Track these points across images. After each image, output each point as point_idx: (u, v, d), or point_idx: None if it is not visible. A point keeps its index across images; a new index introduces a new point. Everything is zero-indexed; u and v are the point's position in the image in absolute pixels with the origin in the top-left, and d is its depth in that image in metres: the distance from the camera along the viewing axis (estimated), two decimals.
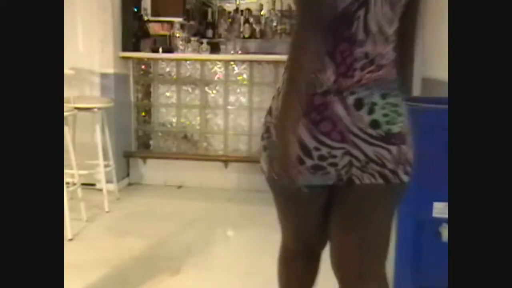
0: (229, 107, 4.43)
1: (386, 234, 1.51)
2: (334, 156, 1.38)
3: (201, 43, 4.55)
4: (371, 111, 1.35)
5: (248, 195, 4.14)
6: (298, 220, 1.61)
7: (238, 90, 4.43)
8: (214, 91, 4.47)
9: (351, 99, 1.35)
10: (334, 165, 1.39)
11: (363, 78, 1.35)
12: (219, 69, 4.42)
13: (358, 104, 1.35)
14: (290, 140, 1.34)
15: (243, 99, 4.38)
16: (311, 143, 1.36)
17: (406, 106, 1.44)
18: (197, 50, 4.47)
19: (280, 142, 1.36)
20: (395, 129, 1.37)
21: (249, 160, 4.35)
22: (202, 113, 4.49)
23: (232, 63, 4.41)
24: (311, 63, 1.31)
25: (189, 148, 4.56)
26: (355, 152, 1.38)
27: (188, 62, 4.44)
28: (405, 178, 1.41)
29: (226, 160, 4.44)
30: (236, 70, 4.43)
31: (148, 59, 4.41)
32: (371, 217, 1.47)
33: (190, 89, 4.46)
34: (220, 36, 5.11)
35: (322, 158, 1.38)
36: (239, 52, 4.51)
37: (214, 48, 4.64)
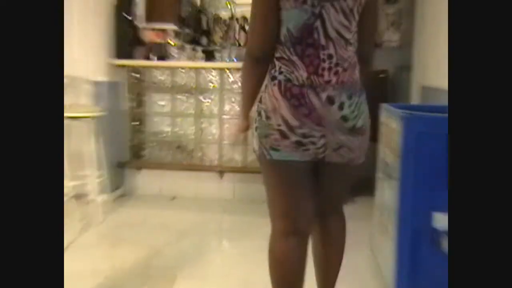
0: (224, 116, 4.38)
1: (348, 188, 2.01)
2: (313, 136, 1.72)
3: (196, 50, 4.50)
4: (341, 108, 1.71)
5: (243, 206, 4.11)
6: (286, 192, 1.84)
7: (233, 99, 4.39)
8: (209, 100, 4.42)
9: (323, 95, 1.69)
10: (313, 143, 1.73)
11: (332, 79, 1.71)
12: (214, 78, 4.38)
13: (330, 101, 1.70)
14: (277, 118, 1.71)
15: (239, 108, 4.08)
16: (294, 122, 1.70)
17: (366, 102, 1.79)
18: (192, 58, 4.42)
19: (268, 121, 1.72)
20: (360, 123, 1.76)
21: (244, 170, 4.32)
22: (197, 122, 4.44)
23: (227, 71, 4.36)
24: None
25: (184, 158, 4.51)
26: (331, 137, 1.74)
27: (182, 70, 4.38)
28: (363, 158, 1.84)
29: (221, 170, 4.39)
30: (231, 78, 4.37)
31: (142, 66, 4.35)
32: (342, 180, 1.92)
33: (184, 98, 4.41)
34: (215, 44, 5.03)
35: (304, 135, 1.71)
36: (235, 60, 4.43)
37: (209, 56, 4.59)
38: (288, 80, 1.72)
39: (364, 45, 1.81)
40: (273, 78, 1.77)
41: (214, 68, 4.37)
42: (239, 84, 4.27)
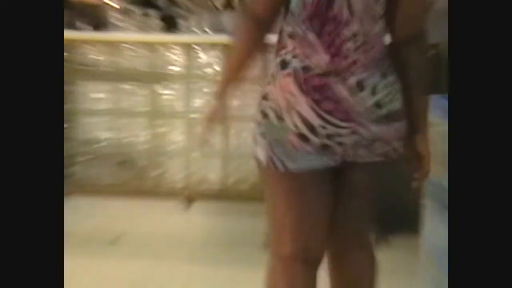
0: (193, 115, 4.09)
1: (374, 209, 2.03)
2: (341, 135, 1.76)
3: (150, 17, 4.33)
4: (373, 92, 1.76)
5: (221, 252, 3.74)
6: (300, 210, 1.86)
7: (207, 90, 4.05)
8: (170, 92, 4.19)
9: (351, 81, 1.74)
10: (341, 144, 1.77)
11: (359, 59, 1.74)
12: (177, 58, 4.15)
13: (360, 86, 1.75)
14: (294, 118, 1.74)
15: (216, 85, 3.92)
16: (316, 121, 1.73)
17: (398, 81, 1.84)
18: (144, 28, 4.25)
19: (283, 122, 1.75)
20: (396, 106, 1.80)
21: (223, 196, 4.07)
22: (152, 124, 4.21)
23: (196, 48, 4.11)
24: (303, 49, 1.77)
25: (131, 178, 4.24)
26: (362, 130, 1.77)
27: (129, 46, 4.16)
28: (400, 153, 1.86)
29: (188, 197, 4.10)
30: (203, 58, 4.11)
31: (67, 40, 3.83)
32: (370, 190, 1.97)
33: (132, 88, 4.20)
34: (178, 7, 4.71)
35: (329, 136, 1.75)
36: (208, 31, 4.29)
37: (170, 25, 4.40)
38: (306, 68, 1.73)
39: (405, 20, 1.79)
40: (284, 64, 1.75)
41: (177, 44, 4.13)
42: (216, 67, 4.11)
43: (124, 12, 4.39)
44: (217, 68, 4.13)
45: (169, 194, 4.22)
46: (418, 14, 1.87)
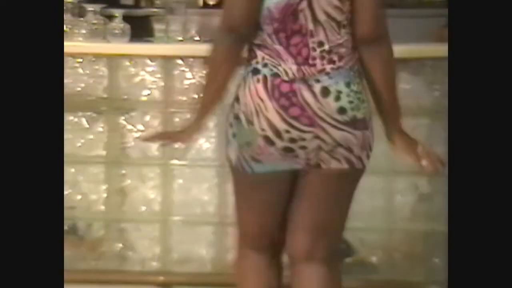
0: (172, 161, 3.31)
1: (343, 218, 2.16)
2: (304, 139, 1.99)
3: (110, 17, 3.40)
4: (337, 99, 1.99)
5: None
6: (263, 207, 2.13)
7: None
8: (138, 126, 3.35)
9: (317, 87, 1.98)
10: (303, 148, 2.00)
11: (326, 67, 1.99)
12: (150, 77, 3.31)
13: (325, 92, 1.98)
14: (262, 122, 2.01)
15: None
16: (281, 126, 1.97)
17: (366, 91, 2.10)
18: (102, 35, 3.35)
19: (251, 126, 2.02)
20: (360, 115, 2.01)
21: (217, 284, 3.23)
22: (112, 173, 3.39)
23: (179, 61, 3.29)
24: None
25: (81, 255, 3.38)
26: (324, 136, 2.00)
27: (80, 60, 3.32)
28: (367, 163, 2.06)
29: (164, 285, 3.29)
30: (188, 74, 3.31)
31: None
32: (333, 202, 2.13)
33: (85, 120, 3.34)
34: (151, 4, 3.93)
35: (292, 140, 1.98)
36: (196, 36, 3.48)
37: (140, 28, 3.51)
38: (275, 74, 1.96)
39: (362, 25, 2.00)
40: (255, 71, 1.99)
41: (151, 57, 3.30)
42: (204, 81, 3.28)
43: (74, 11, 3.47)
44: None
45: (138, 280, 3.37)
46: (374, 17, 2.04)
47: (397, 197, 3.17)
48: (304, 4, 1.94)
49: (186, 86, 3.40)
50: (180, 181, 3.36)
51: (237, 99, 2.03)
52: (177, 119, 3.40)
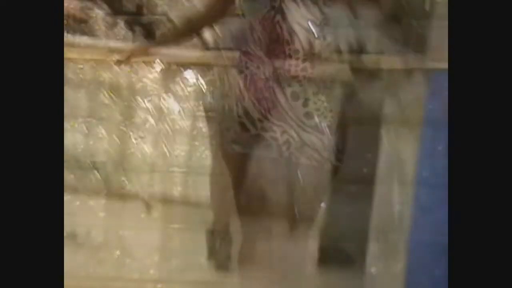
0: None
1: (315, 209, 2.38)
2: (274, 131, 2.20)
3: (113, 22, 3.46)
4: (305, 105, 2.19)
5: None
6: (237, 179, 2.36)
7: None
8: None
9: (288, 90, 2.19)
10: (275, 139, 2.20)
11: (299, 75, 2.18)
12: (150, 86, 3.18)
13: (295, 96, 2.19)
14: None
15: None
16: (255, 114, 2.20)
17: (338, 100, 2.28)
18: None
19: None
20: (325, 122, 2.22)
21: None
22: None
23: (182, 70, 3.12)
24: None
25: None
26: (292, 133, 2.20)
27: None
28: (335, 163, 2.26)
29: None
30: (192, 80, 3.16)
31: None
32: (304, 192, 2.28)
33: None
34: (152, 12, 3.73)
35: (263, 129, 2.20)
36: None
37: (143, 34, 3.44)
38: (254, 74, 2.21)
39: None
40: (240, 71, 2.26)
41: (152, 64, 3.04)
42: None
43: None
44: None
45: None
46: None
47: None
48: (279, 17, 2.23)
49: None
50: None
51: (223, 89, 2.39)
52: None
